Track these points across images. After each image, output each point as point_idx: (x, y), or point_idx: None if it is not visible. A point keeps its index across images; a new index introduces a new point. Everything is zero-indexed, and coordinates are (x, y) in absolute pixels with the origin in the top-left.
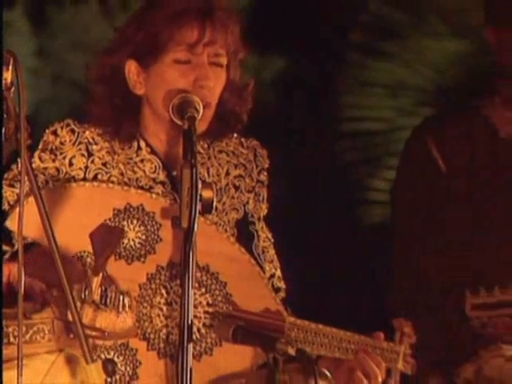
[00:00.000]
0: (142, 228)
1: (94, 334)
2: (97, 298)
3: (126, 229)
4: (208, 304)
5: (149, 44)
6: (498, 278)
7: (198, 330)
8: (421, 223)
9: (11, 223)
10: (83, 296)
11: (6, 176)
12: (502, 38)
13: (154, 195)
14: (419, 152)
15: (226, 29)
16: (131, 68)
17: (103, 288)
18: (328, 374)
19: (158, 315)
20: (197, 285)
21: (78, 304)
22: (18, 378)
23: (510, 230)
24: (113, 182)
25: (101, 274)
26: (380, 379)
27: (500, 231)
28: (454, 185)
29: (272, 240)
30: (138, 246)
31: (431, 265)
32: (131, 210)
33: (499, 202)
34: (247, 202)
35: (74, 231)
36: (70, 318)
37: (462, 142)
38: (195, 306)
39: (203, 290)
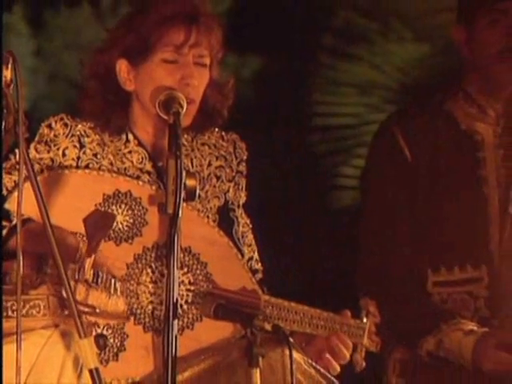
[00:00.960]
0: (130, 212)
1: (86, 310)
2: (89, 277)
3: (114, 212)
4: (190, 283)
5: (139, 45)
6: (457, 259)
7: (181, 307)
8: (387, 207)
9: (9, 205)
10: (77, 276)
11: (4, 165)
12: (471, 35)
13: (140, 182)
14: (387, 141)
15: (210, 32)
16: (122, 66)
17: (95, 270)
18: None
19: (144, 292)
20: (180, 264)
21: (72, 283)
22: (17, 351)
23: (469, 216)
24: (103, 171)
25: (93, 256)
26: (347, 359)
27: (459, 216)
28: (418, 172)
29: (250, 225)
30: (125, 228)
31: (396, 245)
32: (120, 195)
33: (459, 188)
34: (228, 191)
35: (67, 214)
36: (64, 294)
37: (426, 133)
38: (178, 285)
39: (185, 269)
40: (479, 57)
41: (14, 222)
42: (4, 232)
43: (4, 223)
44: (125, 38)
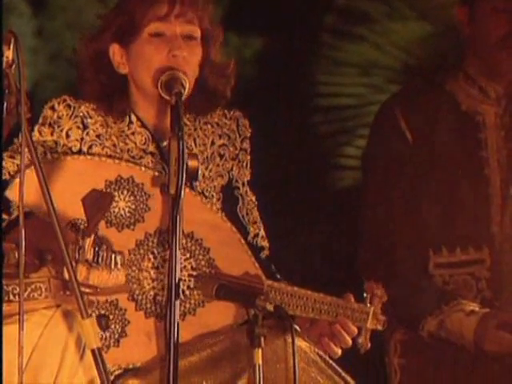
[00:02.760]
0: (132, 198)
1: (87, 290)
2: (89, 257)
3: (116, 199)
4: (192, 268)
5: (126, 25)
6: (458, 240)
7: (183, 292)
8: (388, 188)
9: (10, 192)
10: (77, 256)
11: (8, 148)
12: (474, 18)
13: (143, 168)
14: (388, 122)
15: (195, 4)
16: (114, 50)
17: (95, 248)
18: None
19: (146, 278)
20: (182, 250)
21: (73, 263)
22: (19, 332)
23: (470, 197)
24: (106, 153)
25: (93, 236)
26: (349, 344)
27: (460, 198)
28: (419, 153)
29: (256, 203)
30: (127, 214)
31: (398, 226)
32: (122, 181)
33: (459, 169)
34: (231, 169)
35: (69, 200)
36: (65, 276)
37: (427, 114)
38: (180, 270)
39: (188, 255)
40: (480, 42)
41: (12, 216)
42: (4, 224)
43: (3, 216)
44: (114, 21)
